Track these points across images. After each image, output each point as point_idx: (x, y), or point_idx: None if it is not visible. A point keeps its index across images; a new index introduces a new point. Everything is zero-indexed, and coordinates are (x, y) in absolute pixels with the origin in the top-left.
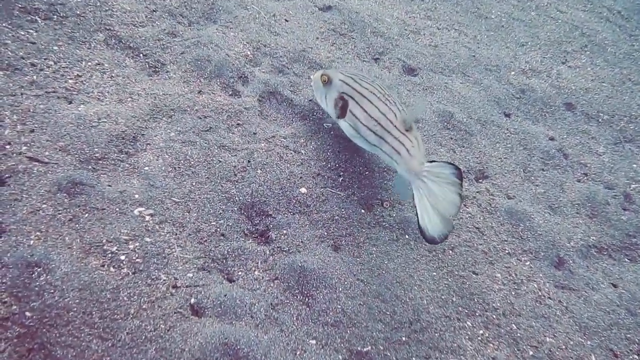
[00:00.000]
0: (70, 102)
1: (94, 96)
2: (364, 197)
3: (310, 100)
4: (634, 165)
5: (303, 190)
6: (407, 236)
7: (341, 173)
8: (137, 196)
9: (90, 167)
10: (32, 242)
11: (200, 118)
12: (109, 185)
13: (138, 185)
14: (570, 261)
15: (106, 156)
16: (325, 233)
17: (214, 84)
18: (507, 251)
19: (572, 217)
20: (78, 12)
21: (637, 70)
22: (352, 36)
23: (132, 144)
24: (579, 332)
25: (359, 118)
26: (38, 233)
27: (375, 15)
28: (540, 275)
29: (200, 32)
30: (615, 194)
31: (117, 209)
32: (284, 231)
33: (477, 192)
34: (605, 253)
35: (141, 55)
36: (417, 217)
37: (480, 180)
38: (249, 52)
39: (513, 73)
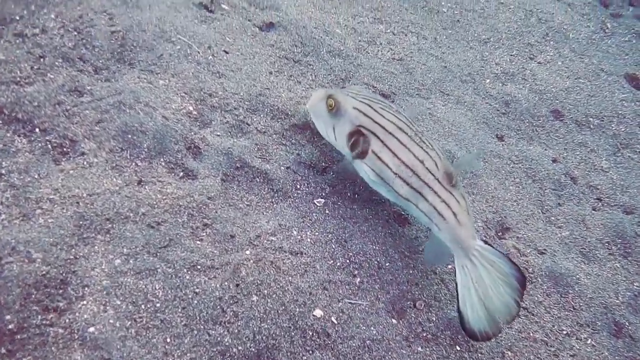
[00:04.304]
0: None
1: None
2: (391, 300)
3: (287, 168)
4: None
5: (318, 312)
6: (457, 347)
7: (355, 271)
8: None
9: (2, 352)
10: None
11: (152, 226)
12: None
13: None
14: (627, 323)
15: (26, 325)
16: None
17: (157, 165)
18: (565, 332)
19: (608, 261)
20: None
21: (604, 57)
22: (309, 62)
23: (61, 292)
24: None
25: (388, 164)
26: None
27: (323, 27)
28: (606, 354)
29: (117, 84)
30: (639, 221)
31: None
32: None
33: (507, 254)
34: None
35: (37, 130)
36: (458, 299)
37: (503, 236)
38: (191, 108)
39: (488, 81)
